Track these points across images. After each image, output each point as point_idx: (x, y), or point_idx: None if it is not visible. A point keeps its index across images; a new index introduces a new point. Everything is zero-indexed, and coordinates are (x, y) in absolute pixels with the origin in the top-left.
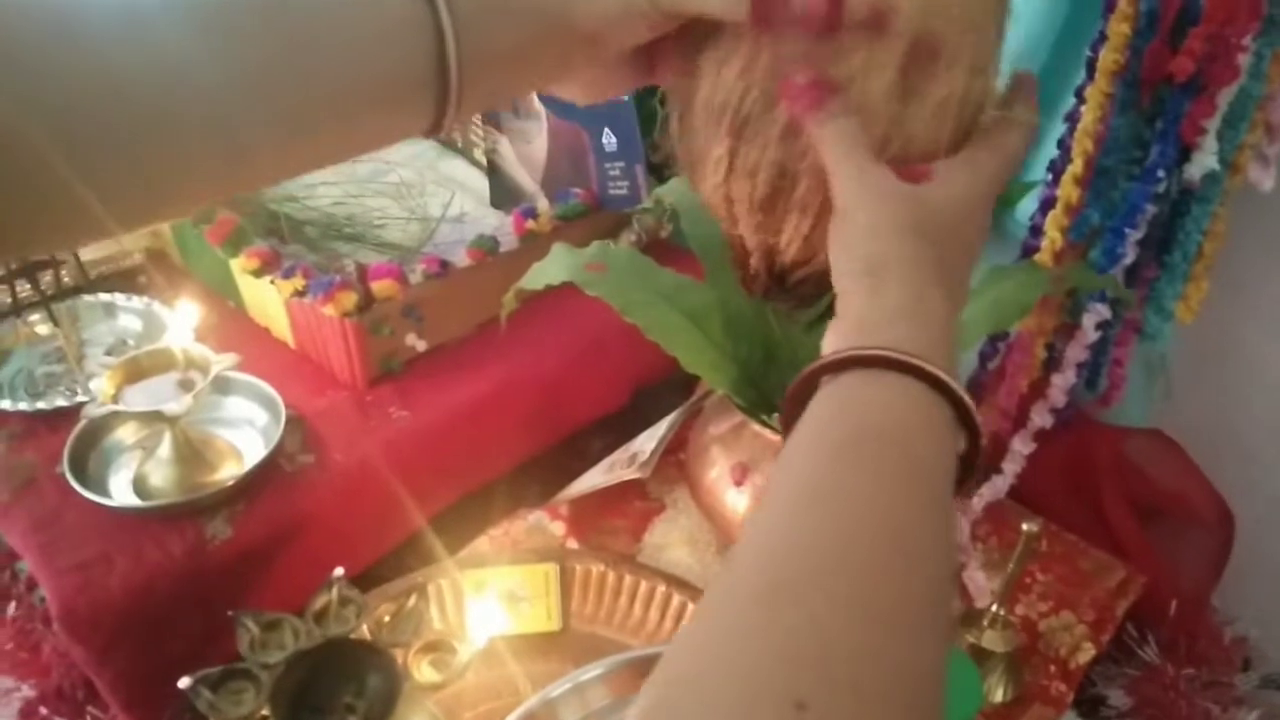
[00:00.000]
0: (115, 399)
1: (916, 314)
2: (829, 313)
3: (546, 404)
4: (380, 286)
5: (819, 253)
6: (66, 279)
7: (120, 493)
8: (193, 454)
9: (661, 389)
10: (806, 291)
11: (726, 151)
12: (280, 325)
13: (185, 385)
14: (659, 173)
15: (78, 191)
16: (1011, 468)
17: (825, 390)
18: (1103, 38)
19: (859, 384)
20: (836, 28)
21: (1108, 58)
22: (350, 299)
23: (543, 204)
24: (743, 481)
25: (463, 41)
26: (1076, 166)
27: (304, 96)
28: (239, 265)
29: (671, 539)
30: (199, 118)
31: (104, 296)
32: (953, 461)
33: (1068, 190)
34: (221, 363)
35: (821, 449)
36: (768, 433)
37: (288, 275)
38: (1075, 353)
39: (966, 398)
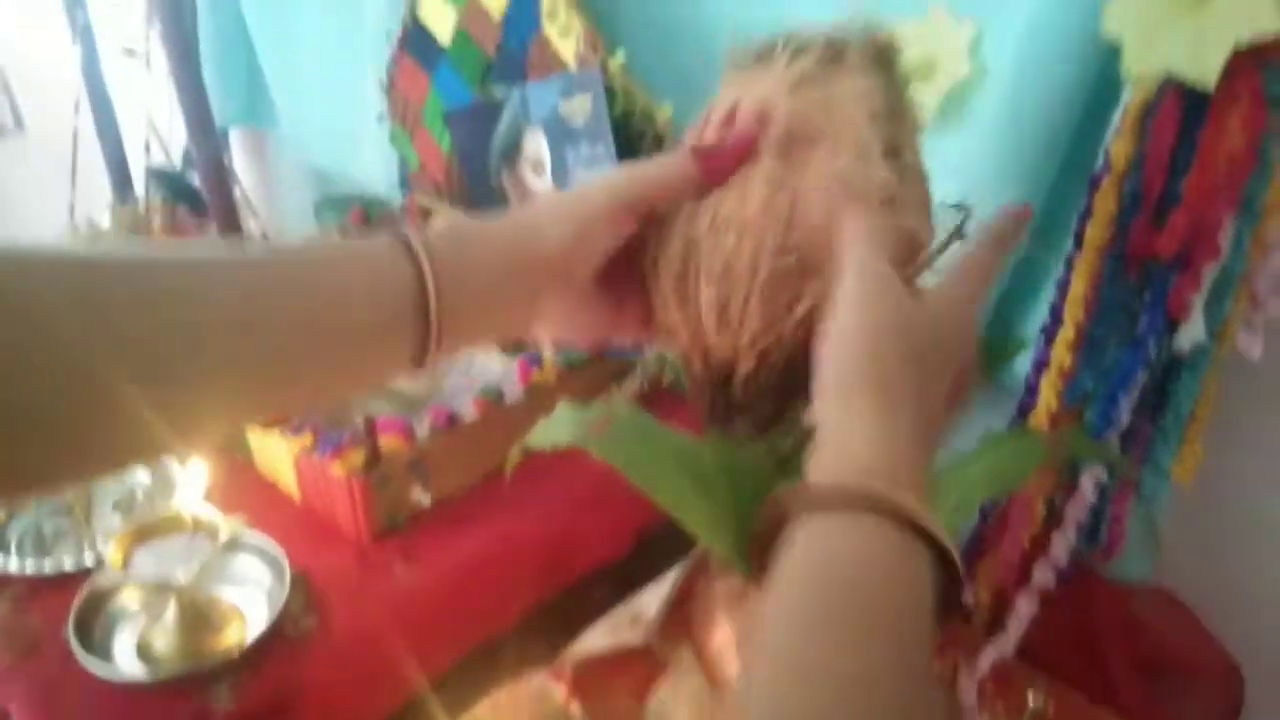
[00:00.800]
0: (124, 564)
1: (894, 443)
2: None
3: (550, 554)
4: (388, 442)
5: (770, 356)
6: None
7: (124, 656)
8: (198, 618)
9: (667, 533)
10: (764, 412)
11: (684, 243)
12: (287, 478)
13: (193, 548)
14: None
15: (146, 419)
16: (1016, 627)
17: (805, 535)
18: (1089, 212)
19: (839, 532)
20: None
21: (1094, 233)
22: (358, 456)
23: (548, 352)
24: None
25: (443, 288)
26: (1068, 332)
27: (295, 341)
28: None
29: (679, 699)
30: (212, 357)
31: None
32: (932, 612)
33: (1060, 355)
34: (229, 527)
35: (806, 613)
36: None
37: (297, 431)
38: (1074, 512)
39: (949, 544)
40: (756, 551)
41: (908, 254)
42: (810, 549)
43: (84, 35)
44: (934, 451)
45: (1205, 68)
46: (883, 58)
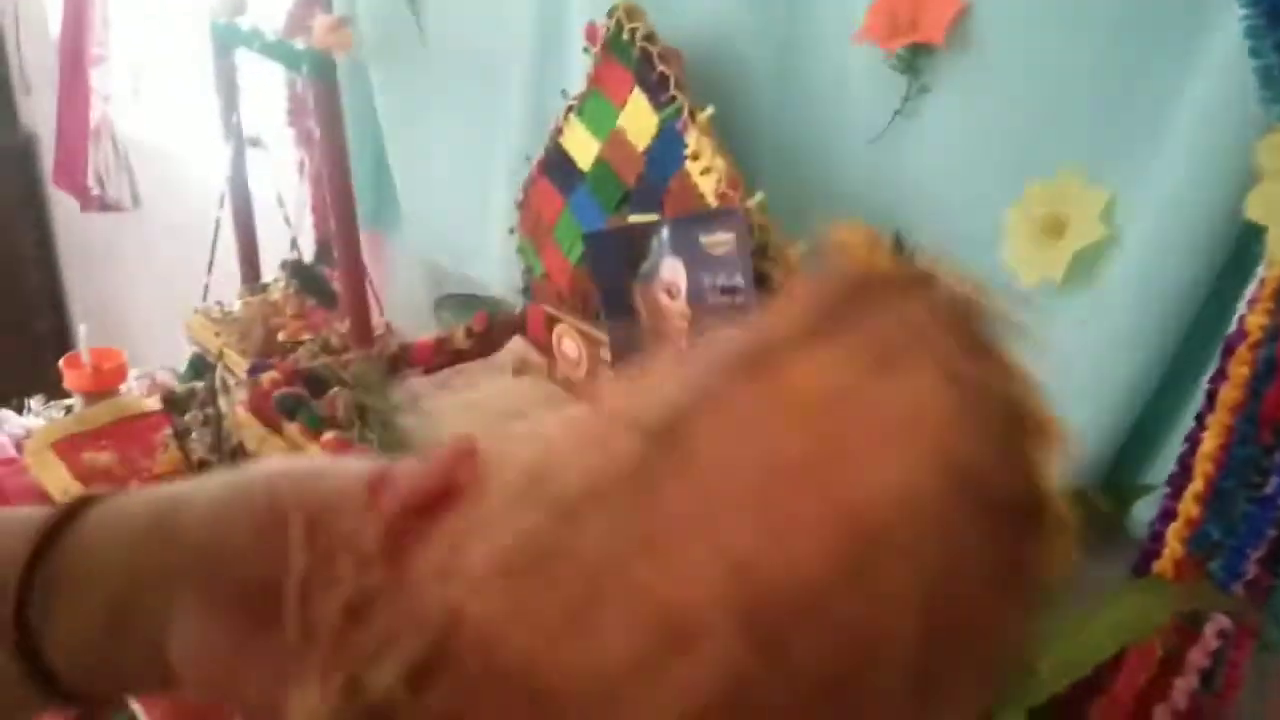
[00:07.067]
0: None
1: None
2: None
3: None
4: None
5: None
6: None
7: None
8: None
9: None
10: None
11: None
12: None
13: None
14: None
15: None
16: None
17: None
18: (1223, 374)
19: None
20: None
21: (1228, 395)
22: None
23: None
24: None
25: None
26: (1198, 485)
27: None
28: None
29: None
30: None
31: None
32: None
33: (1188, 507)
34: None
35: None
36: None
37: None
38: (1196, 658)
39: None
40: None
41: None
42: None
43: (235, 134)
44: None
45: None
46: None
